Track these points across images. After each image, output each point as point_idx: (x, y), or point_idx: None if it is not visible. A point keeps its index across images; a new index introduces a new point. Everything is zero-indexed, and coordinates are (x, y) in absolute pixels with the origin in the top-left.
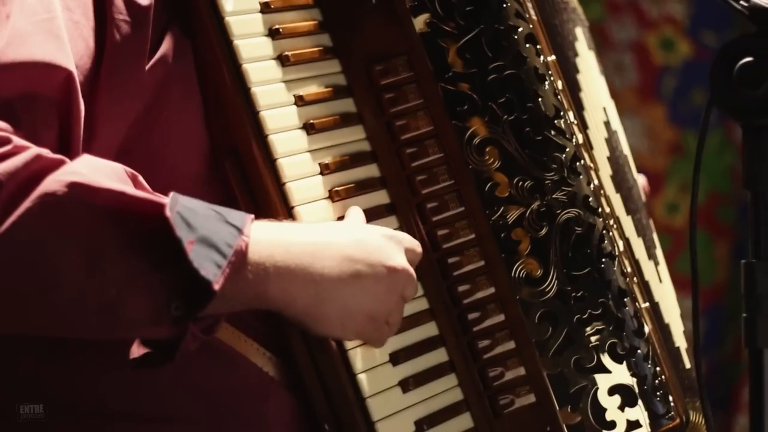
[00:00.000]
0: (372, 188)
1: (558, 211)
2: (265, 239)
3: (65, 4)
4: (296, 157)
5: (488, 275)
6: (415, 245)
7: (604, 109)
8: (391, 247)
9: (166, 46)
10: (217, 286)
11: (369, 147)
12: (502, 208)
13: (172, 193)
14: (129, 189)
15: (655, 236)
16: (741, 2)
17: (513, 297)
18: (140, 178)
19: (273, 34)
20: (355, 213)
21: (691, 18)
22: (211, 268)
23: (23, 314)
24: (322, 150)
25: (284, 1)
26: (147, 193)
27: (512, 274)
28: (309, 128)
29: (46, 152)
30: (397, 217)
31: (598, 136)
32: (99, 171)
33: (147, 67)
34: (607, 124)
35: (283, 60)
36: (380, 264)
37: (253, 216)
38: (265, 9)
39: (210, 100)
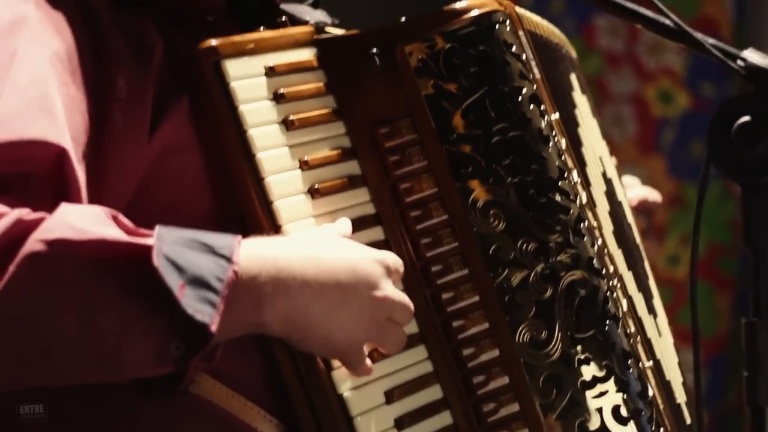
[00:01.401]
0: None
1: (562, 274)
2: (256, 263)
3: (62, 79)
4: (301, 222)
5: (493, 338)
6: (399, 265)
7: (600, 158)
8: (380, 274)
9: (168, 116)
10: (214, 327)
11: (373, 210)
12: (506, 271)
13: (157, 230)
14: (112, 234)
15: (649, 271)
16: (738, 62)
17: (517, 360)
18: (121, 216)
19: (278, 98)
20: (344, 224)
21: (690, 70)
22: (205, 309)
23: (25, 374)
24: (327, 214)
25: (289, 64)
26: (131, 236)
27: (516, 337)
28: (314, 193)
29: (26, 213)
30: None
31: (598, 190)
32: (80, 220)
33: (149, 139)
34: (604, 175)
35: (287, 124)
36: (367, 292)
37: (240, 238)
38: (269, 73)
39: (214, 165)
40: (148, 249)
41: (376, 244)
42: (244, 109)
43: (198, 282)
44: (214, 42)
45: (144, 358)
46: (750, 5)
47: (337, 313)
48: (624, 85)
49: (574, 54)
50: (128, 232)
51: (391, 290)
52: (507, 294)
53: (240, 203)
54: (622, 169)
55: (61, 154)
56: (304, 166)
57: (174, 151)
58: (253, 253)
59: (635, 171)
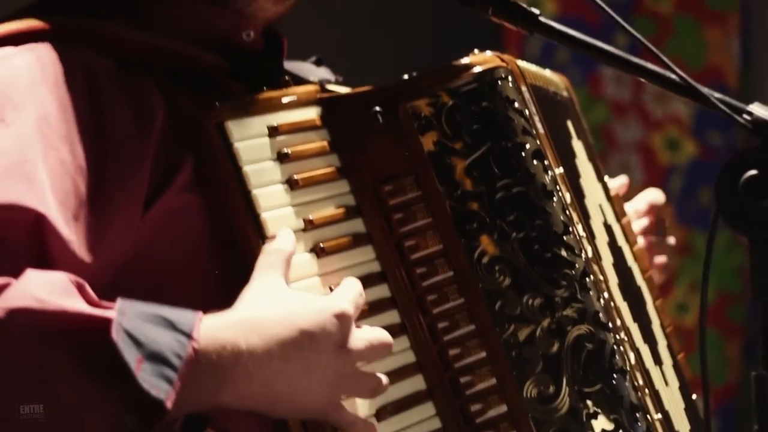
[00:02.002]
0: (382, 309)
1: (569, 328)
2: (216, 341)
3: (50, 143)
4: (306, 281)
5: (500, 393)
6: (353, 301)
7: (600, 206)
8: (338, 328)
9: (171, 179)
10: (169, 403)
11: (379, 267)
12: (512, 326)
13: (119, 303)
14: (72, 306)
15: (653, 315)
16: (744, 116)
17: (525, 415)
18: (86, 286)
19: (282, 157)
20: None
21: (696, 118)
22: (162, 385)
23: None
24: (332, 273)
25: (292, 124)
26: (91, 308)
27: (524, 392)
28: (319, 252)
29: None
30: (407, 336)
31: (601, 241)
32: (43, 288)
33: (152, 203)
34: (605, 223)
35: (292, 184)
36: (329, 353)
37: (201, 314)
38: (273, 133)
39: (219, 226)
40: (107, 322)
41: (382, 302)
42: (248, 169)
43: (156, 357)
44: (217, 103)
45: (99, 430)
46: (756, 53)
47: (301, 382)
48: (631, 134)
49: (565, 93)
50: (91, 303)
51: (354, 339)
52: (514, 349)
53: (245, 263)
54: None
55: (38, 218)
56: (309, 225)
57: (177, 213)
58: (213, 332)
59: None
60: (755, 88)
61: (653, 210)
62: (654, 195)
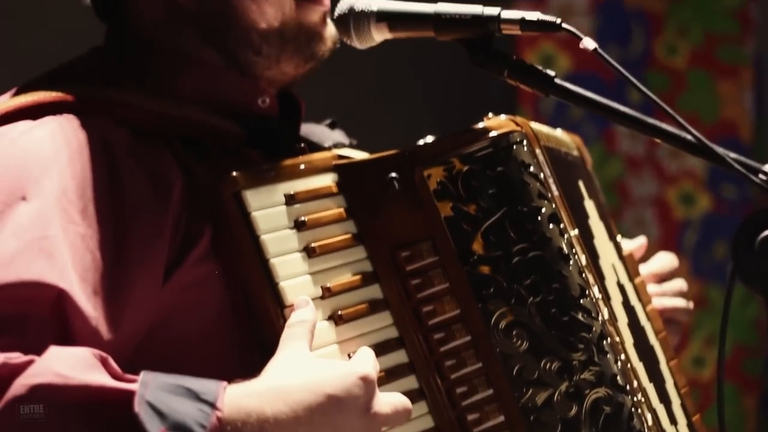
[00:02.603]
0: (400, 375)
1: (587, 392)
2: (241, 410)
3: (69, 218)
4: (325, 349)
5: None
6: (374, 367)
7: (613, 266)
8: (364, 392)
9: (190, 250)
10: None
11: (396, 333)
12: (530, 390)
13: (142, 375)
14: (95, 380)
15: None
16: (760, 176)
17: None
18: (110, 360)
19: (299, 225)
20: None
21: (711, 172)
22: None
23: None
24: (350, 341)
25: (309, 191)
26: (114, 381)
27: None
28: (337, 319)
29: (15, 356)
30: (426, 401)
31: (616, 302)
32: (65, 363)
33: (171, 274)
34: (618, 283)
35: (309, 252)
36: (356, 418)
37: (225, 384)
38: (290, 201)
39: (237, 295)
40: (130, 395)
41: (400, 368)
42: (266, 238)
43: (180, 428)
44: (234, 173)
45: None
46: None
47: None
48: (645, 189)
49: (576, 153)
50: (114, 376)
51: (380, 403)
52: (532, 413)
53: (264, 332)
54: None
55: (60, 294)
56: (327, 292)
57: (196, 284)
58: (238, 401)
59: None
60: None
61: (667, 274)
62: (667, 258)
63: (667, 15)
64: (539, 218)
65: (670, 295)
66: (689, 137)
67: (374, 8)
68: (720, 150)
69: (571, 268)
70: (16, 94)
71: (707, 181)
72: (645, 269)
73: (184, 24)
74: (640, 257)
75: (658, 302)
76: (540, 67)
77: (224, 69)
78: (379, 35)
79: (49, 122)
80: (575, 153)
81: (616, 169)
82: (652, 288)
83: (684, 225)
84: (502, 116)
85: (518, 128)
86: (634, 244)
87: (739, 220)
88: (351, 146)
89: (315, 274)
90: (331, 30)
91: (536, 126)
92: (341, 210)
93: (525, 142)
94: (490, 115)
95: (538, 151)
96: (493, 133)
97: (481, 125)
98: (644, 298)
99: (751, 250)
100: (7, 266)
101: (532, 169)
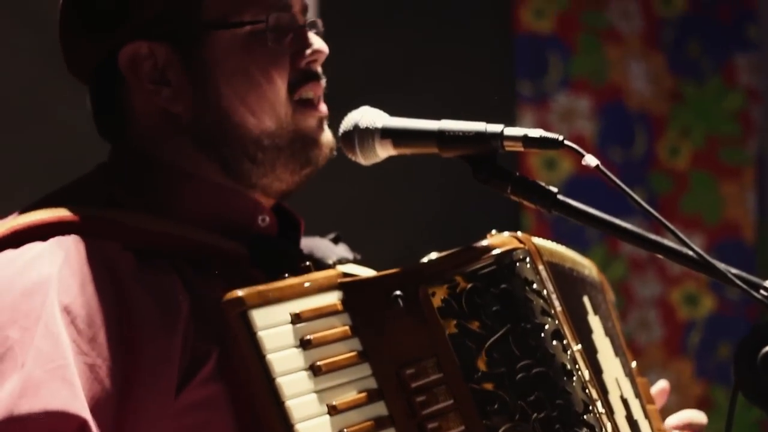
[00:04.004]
0: None
1: None
2: None
3: (79, 349)
4: None
5: None
6: None
7: (616, 380)
8: None
9: (197, 371)
10: None
11: None
12: None
13: None
14: None
15: None
16: (761, 292)
17: None
18: None
19: (304, 344)
20: None
21: None
22: None
23: None
24: None
25: (314, 310)
26: None
27: None
28: None
29: None
30: None
31: (620, 416)
32: None
33: (176, 396)
34: (621, 397)
35: (315, 370)
36: None
37: None
38: (295, 320)
39: (244, 414)
40: None
41: None
42: (271, 357)
43: None
44: (239, 293)
45: None
46: None
47: None
48: (649, 290)
49: (585, 271)
50: None
51: None
52: None
53: None
54: (649, 374)
55: (82, 426)
56: (333, 411)
57: (202, 404)
58: None
59: (662, 375)
60: None
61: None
62: (695, 415)
63: (669, 117)
64: (543, 335)
65: None
66: (691, 253)
67: (379, 125)
68: (721, 266)
69: (574, 383)
70: (23, 212)
71: (711, 281)
72: (674, 418)
73: (182, 135)
74: (661, 409)
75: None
76: (542, 184)
77: (223, 186)
78: (384, 152)
79: (57, 247)
80: (585, 271)
81: (620, 271)
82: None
83: (688, 326)
84: (505, 233)
85: (521, 245)
86: (655, 389)
87: (743, 321)
88: (355, 261)
89: (321, 392)
90: (327, 136)
91: (539, 241)
92: (346, 328)
93: (528, 258)
94: (493, 232)
95: (541, 267)
96: (496, 251)
97: (484, 243)
98: (655, 424)
99: (753, 365)
100: (33, 396)
101: (535, 285)
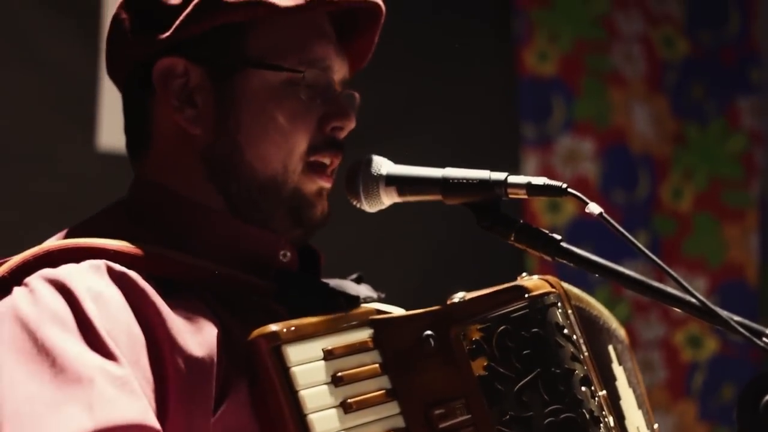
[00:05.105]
0: None
1: None
2: None
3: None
4: None
5: None
6: None
7: (638, 428)
8: None
9: (228, 399)
10: None
11: None
12: None
13: None
14: None
15: None
16: (763, 339)
17: None
18: None
19: (336, 381)
20: None
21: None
22: None
23: None
24: None
25: (346, 346)
26: None
27: None
28: None
29: None
30: None
31: None
32: None
33: (212, 421)
34: None
35: (345, 407)
36: None
37: None
38: (328, 356)
39: None
40: None
41: None
42: (304, 393)
43: None
44: (273, 327)
45: None
46: None
47: None
48: (653, 332)
49: (612, 324)
50: None
51: None
52: None
53: None
54: (652, 417)
55: None
56: None
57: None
58: None
59: (666, 417)
60: None
61: None
62: None
63: (672, 159)
64: (572, 380)
65: None
66: (694, 301)
67: (383, 172)
68: (724, 313)
69: (601, 429)
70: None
71: None
72: None
73: (194, 158)
74: None
75: None
76: (546, 231)
77: (241, 222)
78: (388, 199)
79: (94, 271)
80: (613, 325)
81: (623, 313)
82: None
83: (692, 368)
84: (535, 277)
85: (553, 290)
86: None
87: (746, 363)
88: (379, 300)
89: (349, 430)
90: (324, 206)
91: (567, 286)
92: (377, 366)
93: (559, 303)
94: (524, 274)
95: (570, 311)
96: (529, 294)
97: (515, 284)
98: None
99: (756, 412)
100: (110, 410)
101: (566, 330)
